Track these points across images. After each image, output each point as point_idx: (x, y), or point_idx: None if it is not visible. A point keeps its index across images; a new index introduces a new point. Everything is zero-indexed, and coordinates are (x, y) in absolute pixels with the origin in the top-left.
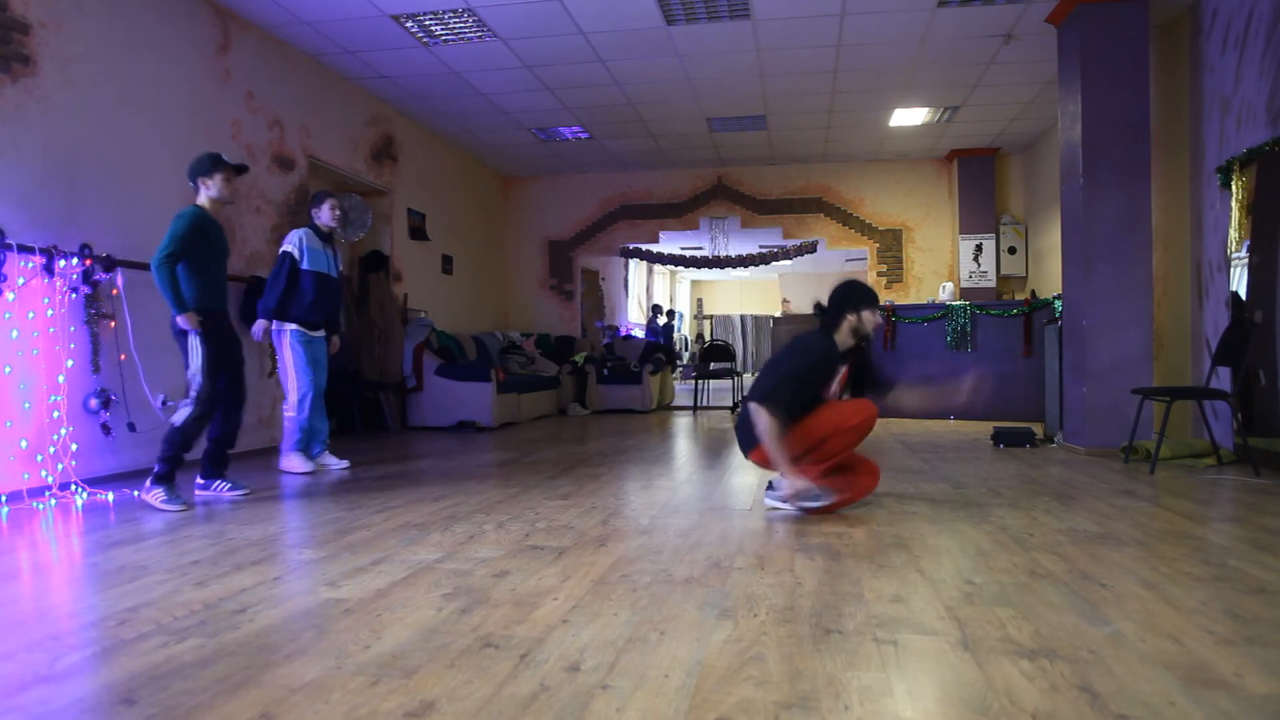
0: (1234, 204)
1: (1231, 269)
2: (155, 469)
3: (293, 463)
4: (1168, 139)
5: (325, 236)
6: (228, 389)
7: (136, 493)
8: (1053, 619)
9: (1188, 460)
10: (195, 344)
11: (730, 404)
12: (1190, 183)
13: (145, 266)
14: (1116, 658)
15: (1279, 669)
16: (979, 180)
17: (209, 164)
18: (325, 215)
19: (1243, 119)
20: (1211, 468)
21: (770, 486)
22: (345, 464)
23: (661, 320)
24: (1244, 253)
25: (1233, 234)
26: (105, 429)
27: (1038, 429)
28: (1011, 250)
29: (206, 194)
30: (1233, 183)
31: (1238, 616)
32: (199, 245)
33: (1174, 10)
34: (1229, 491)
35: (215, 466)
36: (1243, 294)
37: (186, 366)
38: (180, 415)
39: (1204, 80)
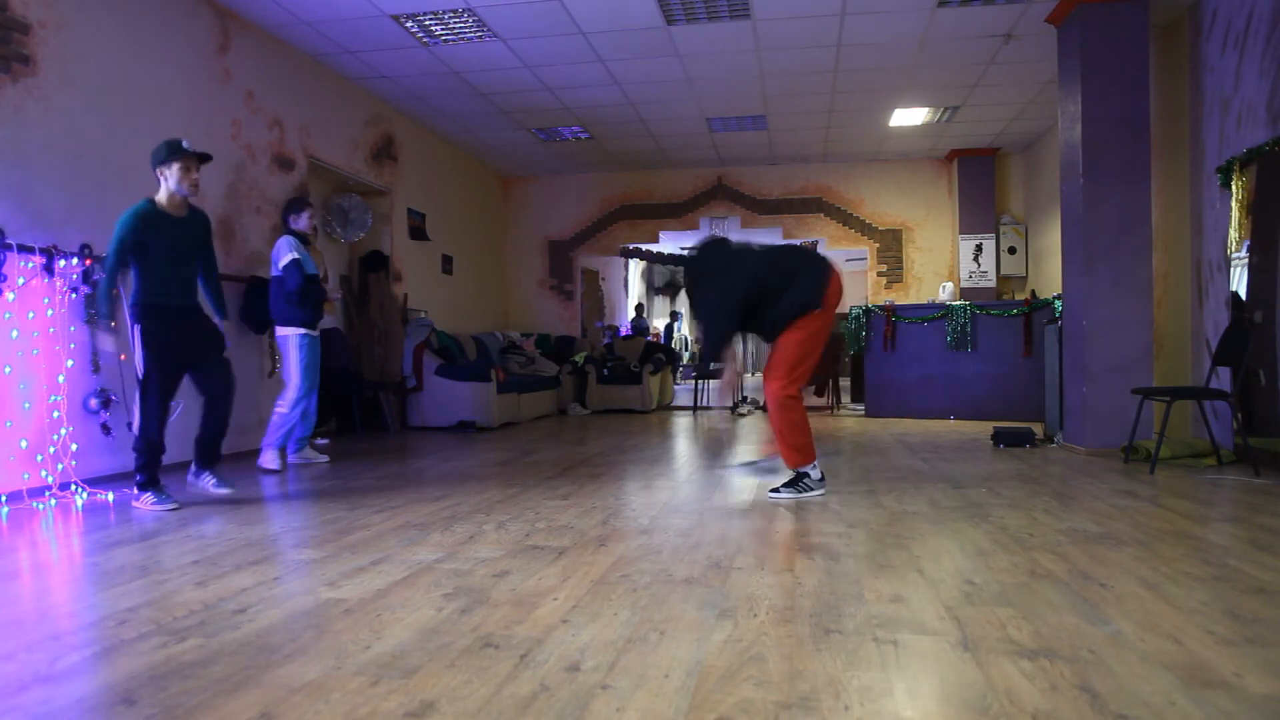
0: (1234, 204)
1: (1231, 269)
2: (136, 478)
3: (267, 459)
4: (1168, 139)
5: (307, 240)
6: (205, 383)
7: (134, 503)
8: (1053, 619)
9: (1188, 460)
10: (136, 341)
11: (730, 404)
12: (1190, 183)
13: None
14: (1116, 658)
15: (1279, 669)
16: (979, 180)
17: (165, 152)
18: (304, 223)
19: (1243, 119)
20: (1211, 468)
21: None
22: (325, 459)
23: (662, 323)
24: (1244, 253)
25: (1233, 234)
26: (105, 429)
27: (1038, 429)
28: (1011, 250)
29: (165, 186)
30: (1233, 183)
31: (1238, 616)
32: (145, 242)
33: (1174, 10)
34: (1229, 491)
35: (205, 458)
36: (1243, 294)
37: (137, 366)
38: (135, 422)
39: (1204, 80)
